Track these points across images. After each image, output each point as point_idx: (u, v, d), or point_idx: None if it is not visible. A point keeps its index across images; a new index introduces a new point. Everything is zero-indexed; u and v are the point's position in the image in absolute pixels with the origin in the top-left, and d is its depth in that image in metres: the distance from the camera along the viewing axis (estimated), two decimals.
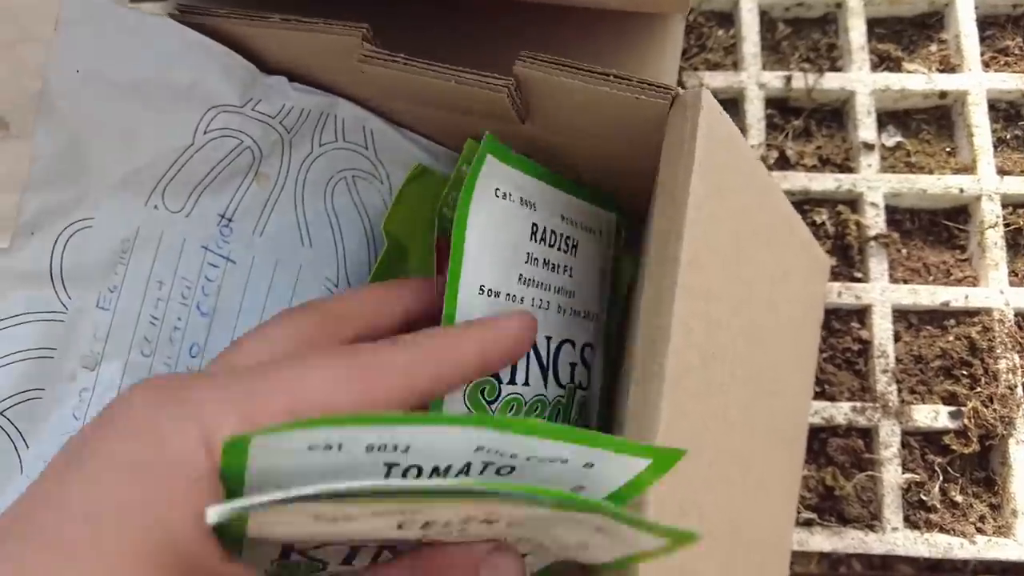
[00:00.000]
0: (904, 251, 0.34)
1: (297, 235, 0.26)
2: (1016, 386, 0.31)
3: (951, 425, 0.31)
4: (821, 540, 0.30)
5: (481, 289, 0.23)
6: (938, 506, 0.30)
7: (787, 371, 0.28)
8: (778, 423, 0.27)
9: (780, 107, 0.36)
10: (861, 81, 0.35)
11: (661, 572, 0.19)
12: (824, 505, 0.31)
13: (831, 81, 0.35)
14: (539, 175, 0.26)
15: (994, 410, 0.30)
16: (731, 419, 0.23)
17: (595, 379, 0.27)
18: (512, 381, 0.24)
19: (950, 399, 0.31)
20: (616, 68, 0.22)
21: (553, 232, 0.26)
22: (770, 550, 0.27)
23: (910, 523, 0.30)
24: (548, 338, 0.25)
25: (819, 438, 0.32)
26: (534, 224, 0.25)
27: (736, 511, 0.23)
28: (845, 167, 0.35)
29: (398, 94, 0.26)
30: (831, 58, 0.36)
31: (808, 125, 0.36)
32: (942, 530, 0.30)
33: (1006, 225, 0.33)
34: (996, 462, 0.31)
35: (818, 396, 0.32)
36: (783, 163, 0.35)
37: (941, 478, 0.31)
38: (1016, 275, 0.33)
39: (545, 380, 0.25)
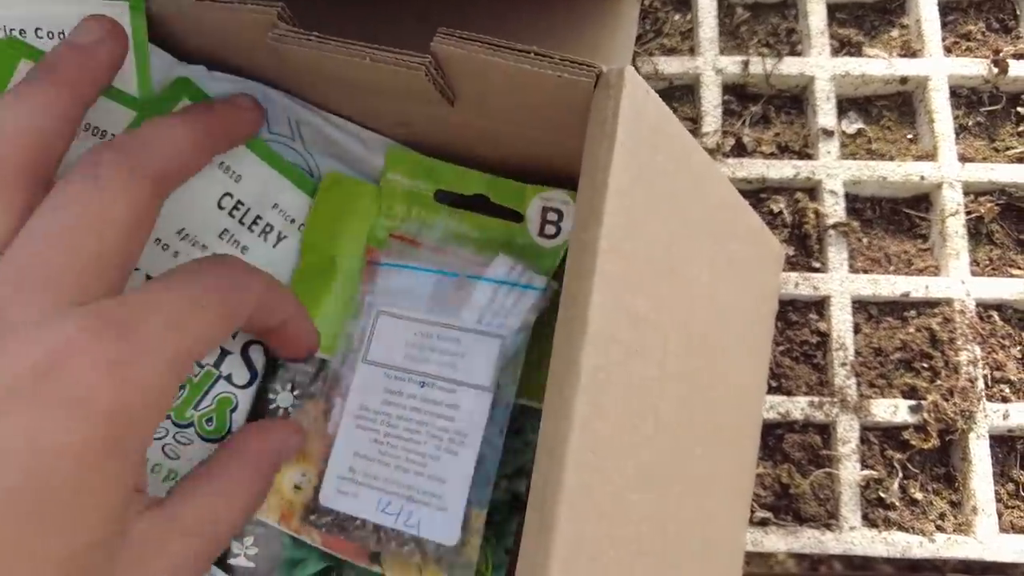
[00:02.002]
0: (864, 240, 0.33)
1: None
2: (977, 379, 0.30)
3: (911, 420, 0.30)
4: (776, 540, 0.29)
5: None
6: (897, 504, 0.29)
7: (734, 366, 0.27)
8: (724, 421, 0.26)
9: (738, 93, 0.35)
10: (821, 66, 0.34)
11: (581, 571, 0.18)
12: (780, 504, 0.30)
13: (790, 66, 0.34)
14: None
15: (954, 404, 0.29)
16: (663, 419, 0.22)
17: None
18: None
19: (910, 393, 0.30)
20: (569, 53, 0.21)
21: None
22: (717, 551, 0.26)
23: (868, 521, 0.29)
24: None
25: (775, 434, 0.31)
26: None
27: (671, 514, 0.22)
28: (804, 154, 0.34)
29: (322, 79, 0.24)
30: (790, 43, 0.35)
31: (767, 111, 0.35)
32: (901, 528, 0.29)
33: (967, 213, 0.32)
34: (956, 458, 0.30)
35: (773, 391, 0.31)
36: (740, 150, 0.34)
37: (900, 475, 0.30)
38: (978, 264, 0.32)
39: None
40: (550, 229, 0.28)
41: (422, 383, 0.24)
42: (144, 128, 0.21)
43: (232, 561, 0.24)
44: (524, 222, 0.27)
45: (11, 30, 0.22)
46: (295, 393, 0.26)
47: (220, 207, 0.25)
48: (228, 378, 0.25)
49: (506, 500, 0.28)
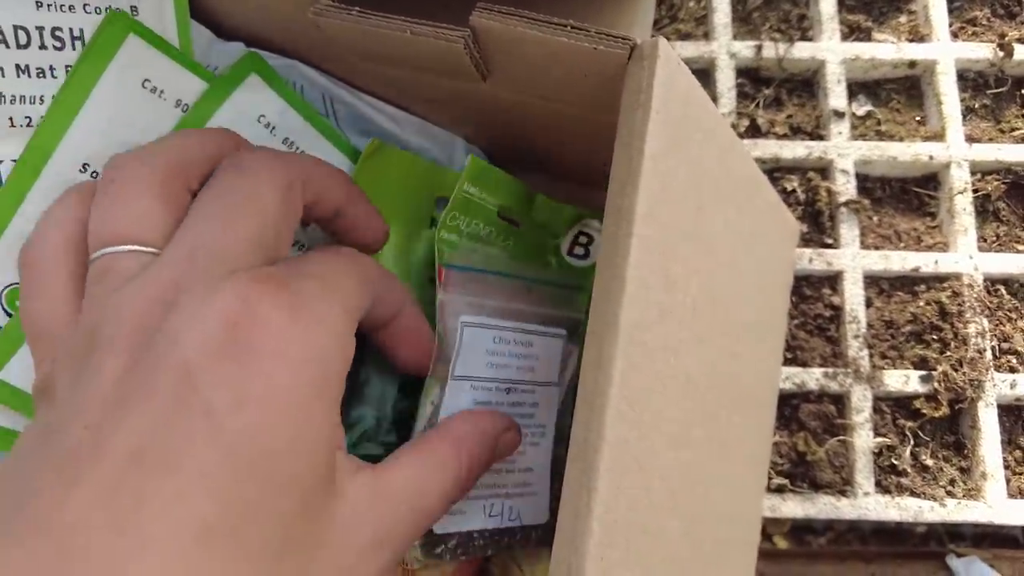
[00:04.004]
0: (875, 218, 0.34)
1: None
2: (985, 350, 0.31)
3: (921, 389, 0.31)
4: (793, 506, 0.30)
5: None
6: (909, 470, 0.30)
7: (754, 335, 0.28)
8: (745, 388, 0.27)
9: (751, 77, 0.36)
10: (831, 50, 0.35)
11: (626, 529, 0.18)
12: (796, 471, 0.31)
13: (802, 51, 0.35)
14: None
15: (964, 374, 0.30)
16: (693, 381, 0.22)
17: None
18: None
19: (920, 364, 0.31)
20: None
21: None
22: (739, 515, 0.27)
23: (881, 487, 0.30)
24: None
25: (791, 404, 0.32)
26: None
27: (700, 475, 0.23)
28: (816, 135, 0.35)
29: (357, 53, 0.25)
30: (801, 28, 0.36)
31: (779, 94, 0.36)
32: (913, 494, 0.30)
33: (975, 191, 0.33)
34: (966, 426, 0.31)
35: (789, 362, 0.32)
36: (754, 131, 0.35)
37: (912, 442, 0.31)
38: (984, 240, 0.33)
39: None
40: (579, 251, 0.29)
41: (507, 389, 0.24)
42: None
43: None
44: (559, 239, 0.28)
45: (118, 7, 0.23)
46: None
47: None
48: None
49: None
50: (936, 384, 0.30)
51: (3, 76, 0.22)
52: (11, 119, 0.23)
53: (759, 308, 0.28)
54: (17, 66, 0.22)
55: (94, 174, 0.23)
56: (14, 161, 0.22)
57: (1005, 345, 0.31)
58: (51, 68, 0.23)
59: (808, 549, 0.32)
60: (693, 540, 0.23)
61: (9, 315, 0.22)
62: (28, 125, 0.23)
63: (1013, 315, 0.32)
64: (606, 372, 0.18)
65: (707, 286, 0.23)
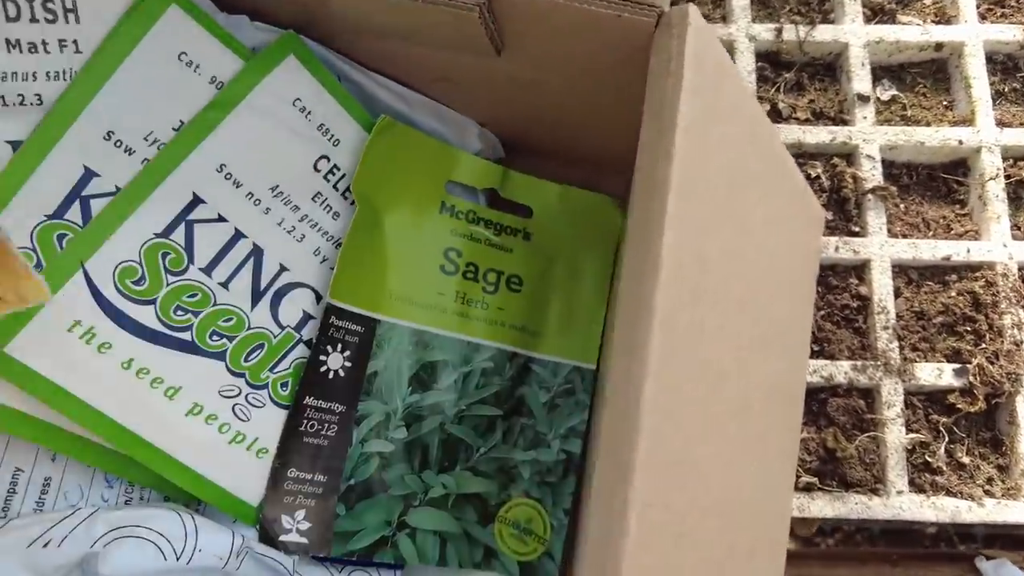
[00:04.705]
0: (902, 206, 0.32)
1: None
2: (1022, 342, 0.30)
3: (956, 383, 0.29)
4: (822, 505, 0.29)
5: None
6: (944, 468, 0.29)
7: (783, 323, 0.26)
8: (775, 380, 0.26)
9: (771, 61, 0.35)
10: (854, 33, 0.34)
11: (661, 530, 0.17)
12: (825, 468, 0.29)
13: (823, 33, 0.34)
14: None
15: (1000, 367, 0.29)
16: (725, 368, 0.21)
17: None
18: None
19: (954, 356, 0.30)
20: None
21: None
22: (770, 513, 0.26)
23: (915, 486, 0.29)
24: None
25: (818, 398, 0.30)
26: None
27: (734, 471, 0.22)
28: (839, 120, 0.33)
29: (365, 28, 0.24)
30: (823, 11, 0.35)
31: (800, 79, 0.35)
32: (949, 493, 0.28)
33: (1007, 178, 0.32)
34: (1003, 421, 0.29)
35: (816, 355, 0.30)
36: (775, 116, 0.33)
37: (946, 439, 0.29)
38: (1019, 228, 0.32)
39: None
40: None
41: None
42: None
43: (284, 538, 0.23)
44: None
45: None
46: (345, 355, 0.25)
47: (316, 169, 0.25)
48: (309, 343, 0.25)
49: (560, 461, 0.27)
50: (971, 378, 0.29)
51: None
52: (2, 98, 0.21)
53: (787, 296, 0.27)
54: (7, 40, 0.21)
55: (118, 143, 0.22)
56: (7, 142, 0.21)
57: None
58: (43, 43, 0.22)
59: (828, 550, 0.30)
60: (728, 541, 0.21)
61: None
62: (21, 104, 0.21)
63: None
64: (640, 358, 0.17)
65: (739, 269, 0.22)
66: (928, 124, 0.33)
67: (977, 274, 0.31)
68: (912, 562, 0.31)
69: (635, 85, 0.21)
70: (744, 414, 0.23)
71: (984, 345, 0.30)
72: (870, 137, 0.32)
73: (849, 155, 0.33)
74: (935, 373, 0.30)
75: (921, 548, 0.30)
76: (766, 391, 0.25)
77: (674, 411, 0.18)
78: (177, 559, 0.21)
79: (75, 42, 0.22)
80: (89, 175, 0.22)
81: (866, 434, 0.29)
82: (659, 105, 0.19)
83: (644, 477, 0.16)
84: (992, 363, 0.29)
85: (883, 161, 0.32)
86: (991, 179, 0.32)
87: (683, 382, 0.18)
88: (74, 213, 0.22)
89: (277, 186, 0.24)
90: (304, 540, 0.24)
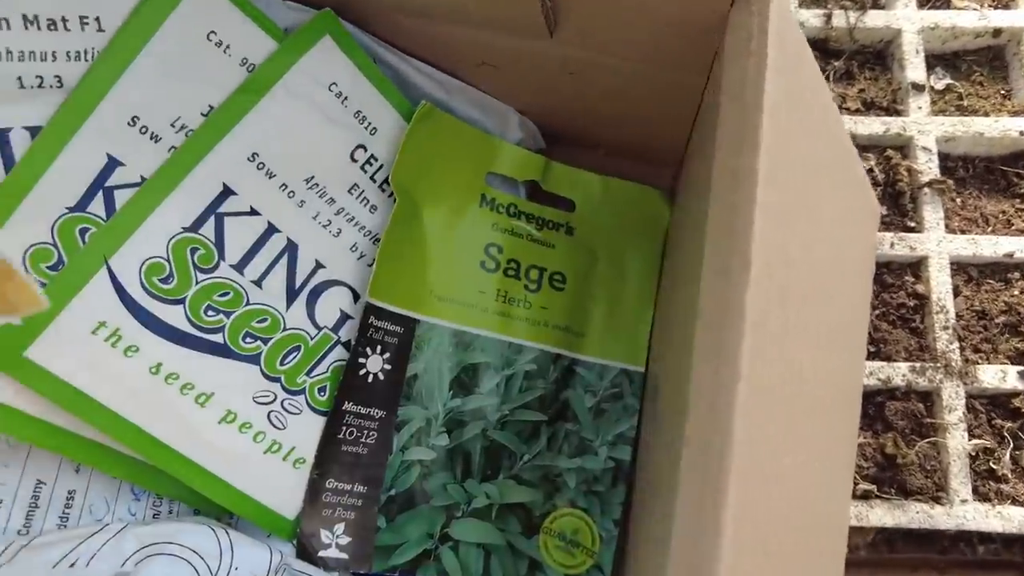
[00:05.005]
0: (958, 200, 0.31)
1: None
2: None
3: (1020, 386, 0.28)
4: (881, 514, 0.27)
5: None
6: (1009, 475, 0.27)
7: (847, 322, 0.25)
8: (842, 383, 0.24)
9: (820, 49, 0.33)
10: (908, 18, 0.32)
11: (749, 554, 0.16)
12: (883, 476, 0.28)
13: (875, 19, 0.32)
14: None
15: None
16: (803, 375, 0.20)
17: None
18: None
19: (1018, 358, 0.28)
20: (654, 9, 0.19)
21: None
22: (833, 523, 0.24)
23: (979, 495, 0.27)
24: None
25: (875, 402, 0.29)
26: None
27: (809, 475, 0.20)
28: (892, 110, 0.32)
29: (405, 4, 0.22)
30: None
31: (849, 67, 0.33)
32: (1016, 502, 0.27)
33: None
34: None
35: (872, 356, 0.29)
36: None
37: (1011, 444, 0.28)
38: None
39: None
40: None
41: None
42: None
43: (323, 553, 0.22)
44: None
45: None
46: (384, 357, 0.23)
47: (352, 159, 0.23)
48: (347, 345, 0.23)
49: (608, 469, 0.26)
50: None
51: (8, 28, 0.19)
52: (19, 79, 0.20)
53: (850, 294, 0.25)
54: (24, 17, 0.20)
55: (143, 130, 0.20)
56: (25, 128, 0.20)
57: None
58: (63, 20, 0.20)
59: (877, 557, 0.29)
60: (803, 555, 0.20)
61: (36, 282, 0.19)
62: (40, 86, 0.20)
63: None
64: (732, 363, 0.15)
65: (815, 265, 0.20)
66: (986, 114, 0.31)
67: None
68: (960, 569, 0.29)
69: (696, 71, 0.20)
70: (817, 419, 0.21)
71: None
72: (925, 128, 0.31)
73: (903, 147, 0.31)
74: (998, 375, 0.28)
75: (977, 556, 0.28)
76: (835, 395, 0.23)
77: (763, 418, 0.16)
78: None
79: (97, 19, 0.20)
80: (113, 164, 0.20)
81: (926, 440, 0.28)
82: (739, 87, 0.17)
83: (737, 491, 0.15)
84: None
85: (938, 153, 0.31)
86: None
87: (772, 386, 0.17)
88: (97, 205, 0.20)
89: (312, 177, 0.23)
90: (344, 555, 0.22)
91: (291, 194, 0.22)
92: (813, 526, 0.21)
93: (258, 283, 0.22)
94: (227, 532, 0.20)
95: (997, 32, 0.32)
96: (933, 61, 0.33)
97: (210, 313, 0.21)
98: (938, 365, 0.28)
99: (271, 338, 0.22)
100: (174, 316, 0.21)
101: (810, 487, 0.20)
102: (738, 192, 0.16)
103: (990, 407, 0.28)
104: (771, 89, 0.17)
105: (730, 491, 0.15)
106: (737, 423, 0.15)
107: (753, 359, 0.15)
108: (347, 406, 0.23)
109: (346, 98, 0.23)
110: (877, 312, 0.30)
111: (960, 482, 0.27)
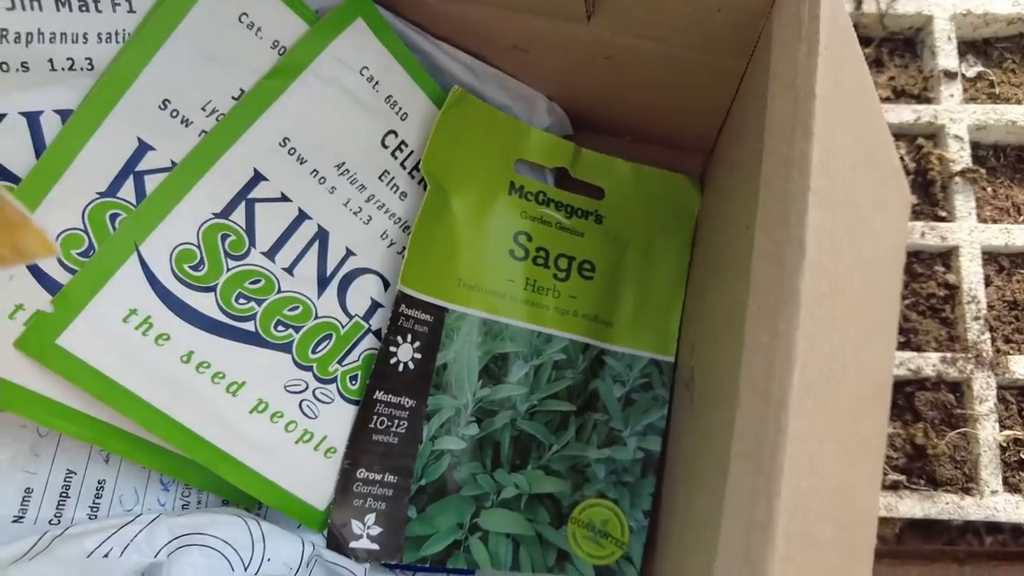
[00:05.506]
0: (989, 189, 0.30)
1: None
2: None
3: None
4: (911, 504, 0.27)
5: None
6: None
7: (882, 313, 0.25)
8: (876, 372, 0.24)
9: None
10: (939, 5, 0.32)
11: (798, 545, 0.15)
12: (913, 466, 0.28)
13: (906, 5, 0.32)
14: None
15: None
16: (848, 366, 0.19)
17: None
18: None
19: None
20: None
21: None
22: (865, 514, 0.24)
23: (1010, 485, 0.27)
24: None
25: (904, 392, 0.29)
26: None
27: (849, 473, 0.20)
28: (923, 98, 0.31)
29: None
30: None
31: (879, 55, 0.32)
32: None
33: None
34: None
35: (903, 346, 0.29)
36: None
37: None
38: None
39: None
40: None
41: None
42: None
43: (355, 544, 0.22)
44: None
45: None
46: (415, 346, 0.23)
47: (384, 145, 0.23)
48: (377, 333, 0.23)
49: (637, 460, 0.26)
50: None
51: (40, 9, 0.19)
52: (51, 61, 0.19)
53: (885, 283, 0.25)
54: None
55: (174, 114, 0.20)
56: (56, 112, 0.19)
57: None
58: (95, 0, 0.19)
59: (893, 548, 0.29)
60: (840, 547, 0.20)
61: (67, 268, 0.19)
62: (71, 68, 0.19)
63: None
64: (786, 353, 0.15)
65: (858, 254, 0.20)
66: (1018, 102, 0.31)
67: None
68: (981, 560, 0.29)
69: (737, 56, 0.19)
70: (855, 410, 0.21)
71: None
72: (957, 116, 0.30)
73: (934, 135, 0.31)
74: None
75: (1002, 547, 0.28)
76: (873, 386, 0.23)
77: (813, 408, 0.16)
78: (245, 569, 0.19)
79: (128, 0, 0.19)
80: (143, 148, 0.20)
81: (956, 430, 0.28)
82: (790, 73, 0.17)
83: (790, 484, 0.15)
84: None
85: (969, 142, 0.30)
86: None
87: (822, 375, 0.16)
88: (127, 190, 0.20)
89: (343, 163, 0.22)
90: (375, 546, 0.22)
91: (322, 180, 0.22)
92: (849, 516, 0.21)
93: (289, 270, 0.22)
94: (259, 523, 0.20)
95: None
96: (964, 48, 0.32)
97: (241, 301, 0.21)
98: (969, 355, 0.28)
99: (303, 326, 0.22)
100: (205, 304, 0.20)
101: (847, 477, 0.20)
102: (791, 179, 0.16)
103: (1021, 398, 0.28)
104: (822, 76, 0.16)
105: (783, 481, 0.14)
106: (792, 413, 0.15)
107: (807, 348, 0.15)
108: (378, 395, 0.23)
109: (377, 83, 0.23)
110: (907, 302, 0.29)
111: (990, 473, 0.27)
